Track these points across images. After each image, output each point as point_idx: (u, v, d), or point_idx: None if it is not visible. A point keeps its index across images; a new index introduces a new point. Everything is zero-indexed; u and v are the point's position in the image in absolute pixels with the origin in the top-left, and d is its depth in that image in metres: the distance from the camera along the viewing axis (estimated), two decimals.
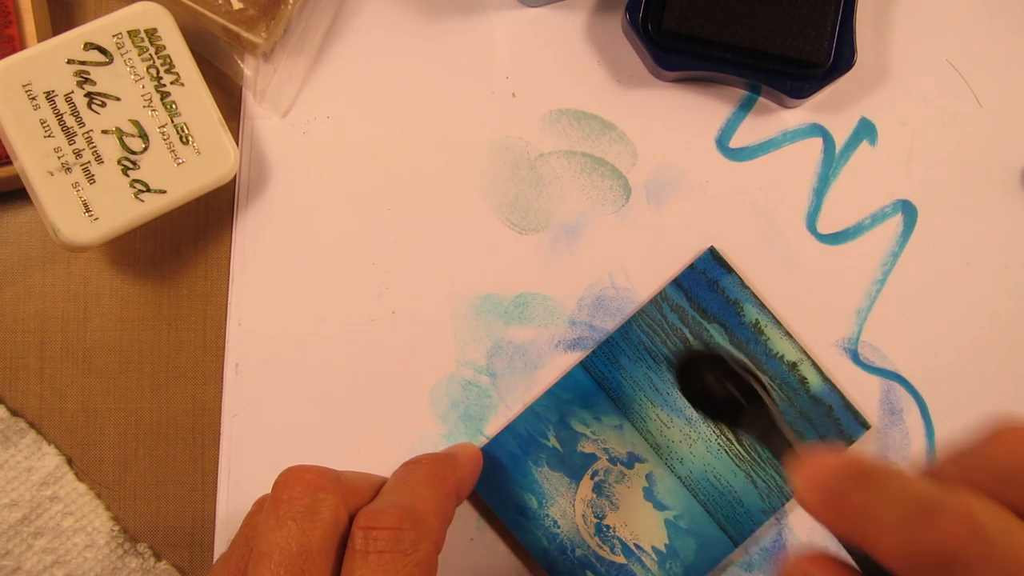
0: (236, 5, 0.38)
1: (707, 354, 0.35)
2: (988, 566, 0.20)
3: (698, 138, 0.40)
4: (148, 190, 0.36)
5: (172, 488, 0.39)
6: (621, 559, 0.38)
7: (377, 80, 0.41)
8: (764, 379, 0.37)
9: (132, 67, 0.36)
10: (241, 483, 0.39)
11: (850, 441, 0.38)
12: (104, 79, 0.36)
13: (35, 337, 0.39)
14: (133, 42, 0.36)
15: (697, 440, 0.38)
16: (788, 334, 0.39)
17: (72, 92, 0.35)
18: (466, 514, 0.39)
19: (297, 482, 0.30)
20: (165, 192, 0.36)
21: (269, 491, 0.38)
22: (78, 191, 0.35)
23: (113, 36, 0.36)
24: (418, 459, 0.35)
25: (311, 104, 0.40)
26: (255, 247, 0.40)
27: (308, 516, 0.29)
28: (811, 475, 0.24)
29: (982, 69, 0.41)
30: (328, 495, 0.30)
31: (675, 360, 0.38)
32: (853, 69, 0.38)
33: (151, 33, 0.37)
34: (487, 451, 0.38)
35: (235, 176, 0.39)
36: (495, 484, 0.38)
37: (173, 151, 0.37)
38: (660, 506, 0.38)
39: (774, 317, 0.39)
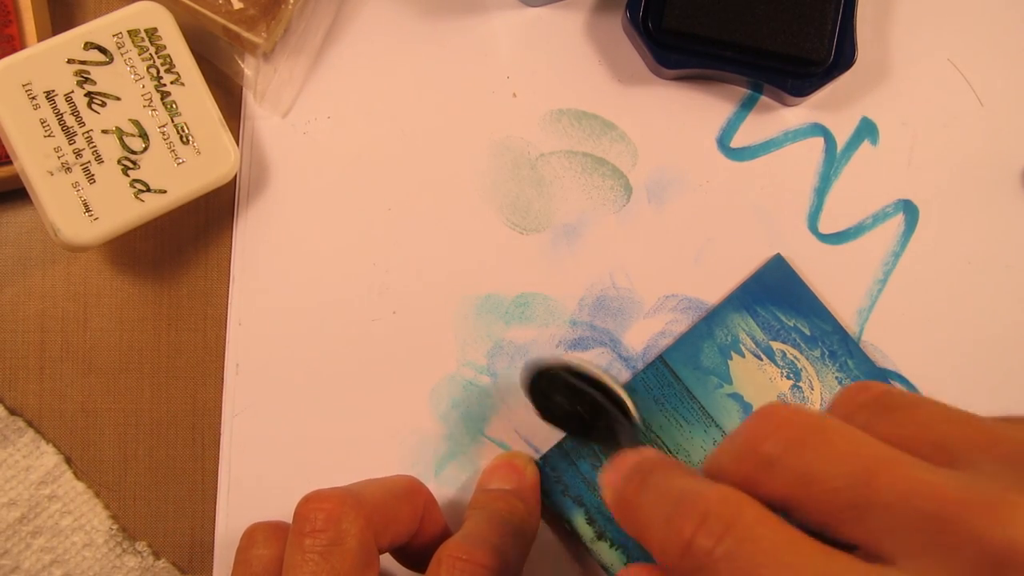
0: (236, 5, 0.38)
1: (549, 370, 0.34)
2: (724, 563, 0.19)
3: (699, 138, 0.40)
4: (148, 190, 0.36)
5: (172, 488, 0.39)
6: None
7: (378, 80, 0.41)
8: (611, 384, 0.35)
9: (132, 67, 0.36)
10: (241, 483, 0.39)
11: None
12: (104, 79, 0.36)
13: (35, 337, 0.39)
14: (133, 42, 0.36)
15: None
16: None
17: (72, 92, 0.35)
18: None
19: (319, 511, 0.30)
20: (165, 192, 0.36)
21: (266, 500, 0.38)
22: (78, 191, 0.35)
23: (113, 36, 0.36)
24: (503, 493, 0.35)
25: (311, 104, 0.40)
26: (255, 247, 0.40)
27: (335, 548, 0.29)
28: (608, 475, 0.24)
29: (983, 68, 0.41)
30: (352, 524, 0.30)
31: (524, 379, 0.36)
32: (854, 68, 0.38)
33: (151, 33, 0.37)
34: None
35: (235, 176, 0.39)
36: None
37: (173, 151, 0.37)
38: None
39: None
